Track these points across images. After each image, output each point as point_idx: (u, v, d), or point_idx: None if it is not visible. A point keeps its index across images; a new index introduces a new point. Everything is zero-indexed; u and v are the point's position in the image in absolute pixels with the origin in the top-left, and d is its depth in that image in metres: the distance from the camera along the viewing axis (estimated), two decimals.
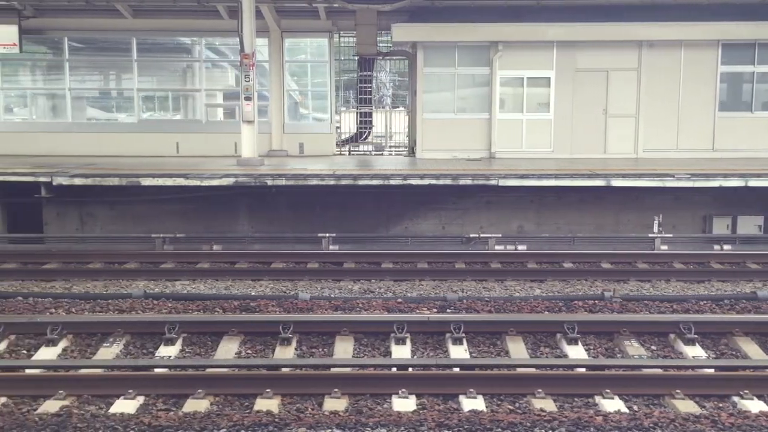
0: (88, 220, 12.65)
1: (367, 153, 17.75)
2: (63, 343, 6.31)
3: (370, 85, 17.39)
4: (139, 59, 17.18)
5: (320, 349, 6.34)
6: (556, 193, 12.23)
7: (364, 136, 17.68)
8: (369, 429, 4.66)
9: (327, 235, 11.46)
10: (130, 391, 5.22)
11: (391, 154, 17.70)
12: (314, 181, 11.49)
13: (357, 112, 17.47)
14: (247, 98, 13.34)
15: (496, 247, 11.30)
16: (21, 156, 15.54)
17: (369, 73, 17.36)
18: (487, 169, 12.00)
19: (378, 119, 19.13)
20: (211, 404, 5.19)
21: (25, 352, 6.26)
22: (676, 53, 15.50)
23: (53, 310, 7.11)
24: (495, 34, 15.36)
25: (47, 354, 6.13)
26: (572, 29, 15.22)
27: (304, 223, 12.59)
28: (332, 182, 11.49)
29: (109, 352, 6.19)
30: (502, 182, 11.41)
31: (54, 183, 11.37)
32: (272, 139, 17.29)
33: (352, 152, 17.88)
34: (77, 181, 11.41)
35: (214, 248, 11.27)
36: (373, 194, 12.40)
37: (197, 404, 5.12)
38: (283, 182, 11.46)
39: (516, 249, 11.19)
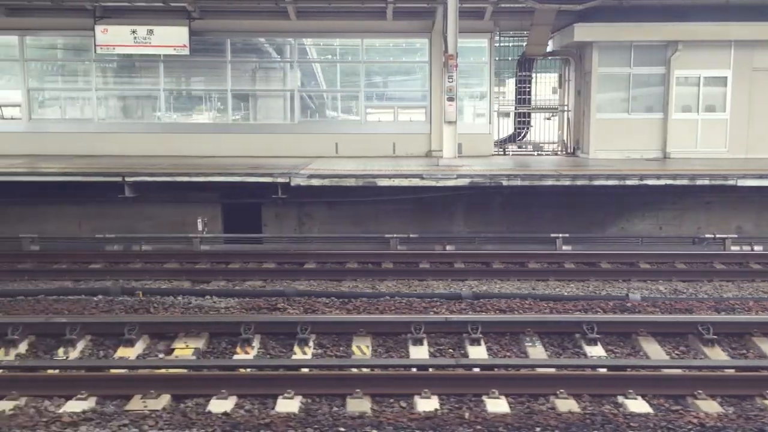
0: (306, 221, 12.74)
1: (524, 154, 17.71)
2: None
3: (528, 85, 17.39)
4: (299, 61, 17.29)
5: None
6: None
7: (521, 137, 17.68)
8: None
9: (560, 235, 11.48)
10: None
11: (548, 155, 17.67)
12: (550, 182, 11.52)
13: (515, 113, 17.47)
14: (450, 99, 13.43)
15: (732, 248, 11.27)
16: (183, 157, 15.59)
17: (528, 73, 17.37)
18: (723, 169, 11.97)
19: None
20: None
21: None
22: None
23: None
24: (675, 34, 15.31)
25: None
26: (754, 28, 15.14)
27: (518, 223, 12.64)
28: (567, 182, 11.52)
29: (536, 351, 6.23)
30: (741, 182, 11.39)
31: (292, 183, 11.46)
32: (431, 139, 17.35)
33: (506, 152, 17.86)
34: (314, 182, 11.49)
35: (447, 248, 11.31)
36: (589, 194, 12.40)
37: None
38: (518, 183, 11.49)
39: (752, 249, 11.14)
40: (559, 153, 17.92)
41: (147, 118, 17.65)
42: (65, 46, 17.59)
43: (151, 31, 16.22)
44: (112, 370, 5.66)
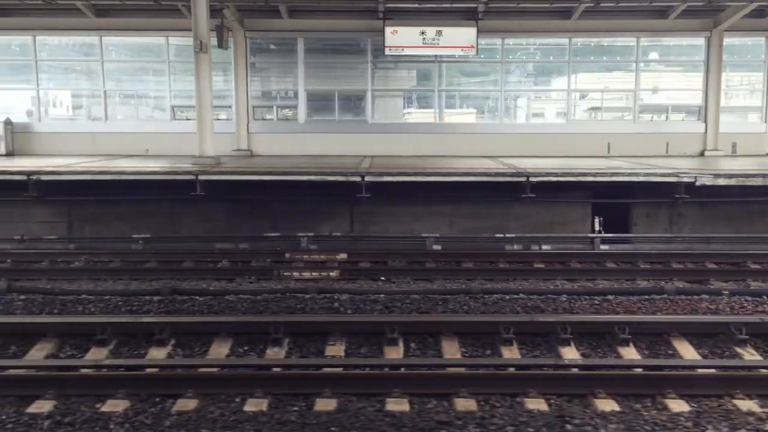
0: (677, 221, 12.62)
1: None
2: None
3: None
4: (572, 61, 17.23)
5: None
6: None
7: None
8: None
9: None
10: None
11: None
12: None
13: None
14: None
15: None
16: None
17: None
18: None
19: None
20: None
21: None
22: None
23: None
24: None
25: None
26: None
27: None
28: None
29: None
30: None
31: (697, 183, 11.38)
32: (706, 139, 17.21)
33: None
34: (720, 181, 11.40)
35: None
36: None
37: None
38: None
39: None
40: None
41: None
42: (343, 47, 17.63)
43: (440, 32, 16.24)
44: None
